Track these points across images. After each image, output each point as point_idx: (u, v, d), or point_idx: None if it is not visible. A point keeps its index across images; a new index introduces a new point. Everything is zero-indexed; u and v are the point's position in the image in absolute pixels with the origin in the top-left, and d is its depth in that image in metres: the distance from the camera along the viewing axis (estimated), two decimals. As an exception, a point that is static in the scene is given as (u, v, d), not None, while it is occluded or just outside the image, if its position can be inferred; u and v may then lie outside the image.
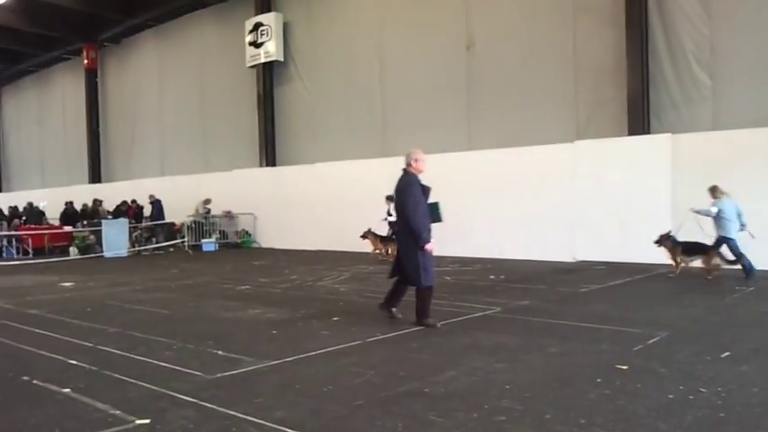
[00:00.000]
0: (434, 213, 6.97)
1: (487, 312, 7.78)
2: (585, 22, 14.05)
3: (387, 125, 17.94)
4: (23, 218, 22.61)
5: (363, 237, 15.09)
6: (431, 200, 6.94)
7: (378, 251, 14.94)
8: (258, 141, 21.04)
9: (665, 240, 10.93)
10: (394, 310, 7.30)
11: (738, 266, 10.41)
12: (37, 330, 7.24)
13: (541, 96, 14.74)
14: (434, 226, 6.97)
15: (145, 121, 26.37)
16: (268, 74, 20.73)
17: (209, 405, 4.32)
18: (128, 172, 27.21)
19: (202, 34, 23.40)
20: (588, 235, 13.40)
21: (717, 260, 10.36)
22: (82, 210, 22.43)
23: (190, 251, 19.79)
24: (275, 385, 4.81)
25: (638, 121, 13.07)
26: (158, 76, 25.54)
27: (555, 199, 13.84)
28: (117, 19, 25.24)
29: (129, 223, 20.10)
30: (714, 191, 10.53)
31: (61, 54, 29.23)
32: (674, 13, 12.88)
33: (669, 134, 12.66)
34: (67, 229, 20.58)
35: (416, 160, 6.88)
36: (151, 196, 21.08)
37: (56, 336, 6.89)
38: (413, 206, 6.67)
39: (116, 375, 5.14)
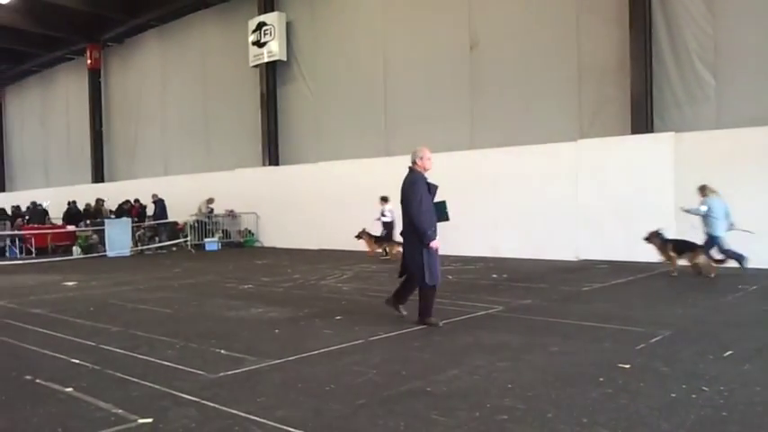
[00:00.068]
0: (441, 212, 6.92)
1: (490, 311, 7.78)
2: (589, 21, 14.03)
3: (390, 124, 17.94)
4: (26, 217, 22.66)
5: (358, 237, 15.15)
6: (438, 198, 6.92)
7: (378, 250, 14.94)
8: (261, 141, 21.07)
9: (655, 238, 11.06)
10: (401, 307, 7.27)
11: (734, 264, 10.54)
12: (40, 329, 7.25)
13: (545, 95, 14.73)
14: (437, 224, 6.95)
15: (148, 121, 26.42)
16: (271, 73, 20.75)
17: (212, 404, 4.32)
18: (131, 171, 27.27)
19: (205, 34, 23.43)
20: (591, 234, 13.39)
21: (703, 258, 10.51)
22: (85, 209, 22.48)
23: (192, 250, 19.82)
24: (277, 384, 4.82)
25: (642, 120, 13.06)
26: (161, 75, 25.59)
27: (558, 197, 13.83)
28: (120, 19, 25.30)
29: (132, 222, 20.13)
30: (703, 190, 10.68)
31: (64, 54, 29.33)
32: (678, 12, 12.85)
33: (672, 133, 12.65)
34: (70, 228, 20.62)
35: (422, 158, 6.85)
36: (154, 195, 21.13)
37: (59, 335, 6.90)
38: (417, 204, 6.64)
39: (119, 374, 5.15)
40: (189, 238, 20.34)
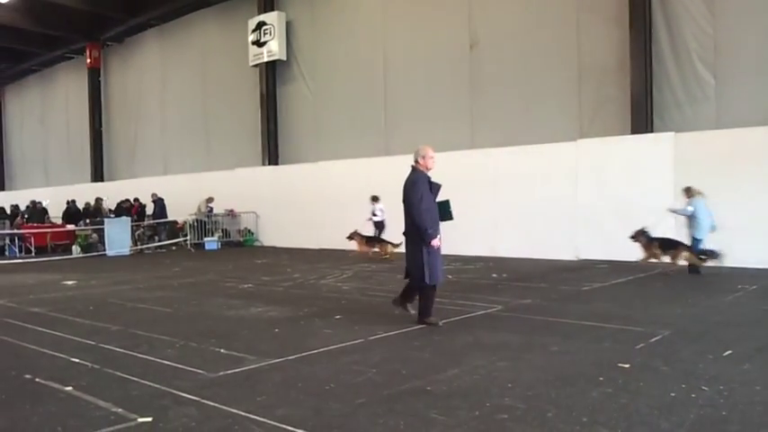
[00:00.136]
0: (445, 211, 6.89)
1: (489, 311, 7.78)
2: (589, 21, 14.03)
3: (390, 124, 17.94)
4: (26, 216, 22.66)
5: (350, 238, 15.16)
6: (442, 197, 6.90)
7: (376, 250, 14.93)
8: (261, 140, 21.06)
9: (641, 236, 11.28)
10: (409, 305, 7.24)
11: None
12: (39, 328, 7.25)
13: (545, 95, 14.73)
14: (442, 224, 6.94)
15: (148, 120, 26.42)
16: (271, 73, 20.75)
17: (212, 403, 4.32)
18: (130, 170, 27.27)
19: (205, 33, 23.42)
20: (591, 233, 13.38)
21: (687, 255, 10.75)
22: (84, 208, 22.48)
23: (192, 249, 19.83)
24: (277, 383, 4.82)
25: (642, 120, 13.05)
26: (161, 74, 25.58)
27: (557, 197, 13.82)
28: (120, 18, 25.29)
29: (132, 222, 20.13)
30: (689, 191, 10.84)
31: (64, 53, 29.31)
32: (678, 12, 12.85)
33: (672, 133, 12.64)
34: (70, 227, 20.62)
35: (424, 157, 6.84)
36: (154, 195, 21.13)
37: (58, 334, 6.90)
38: (417, 202, 6.64)
39: (118, 373, 5.15)
40: (188, 238, 20.34)
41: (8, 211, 23.40)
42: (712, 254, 10.73)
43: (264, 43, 20.40)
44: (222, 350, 5.92)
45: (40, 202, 24.03)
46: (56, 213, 22.95)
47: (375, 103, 18.21)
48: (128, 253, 18.76)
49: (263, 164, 21.01)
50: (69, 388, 4.77)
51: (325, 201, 18.46)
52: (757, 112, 11.75)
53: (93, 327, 7.29)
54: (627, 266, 11.87)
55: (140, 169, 26.64)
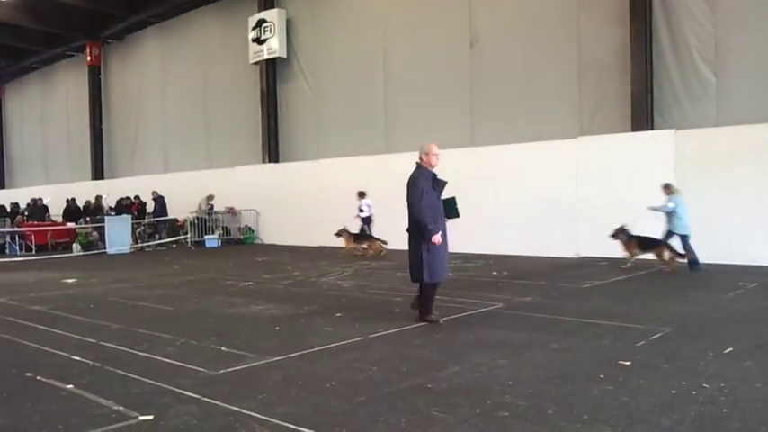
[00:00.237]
0: (451, 208, 6.88)
1: (490, 308, 7.78)
2: (589, 19, 14.01)
3: (390, 122, 17.93)
4: (26, 213, 22.67)
5: (338, 234, 15.18)
6: (447, 195, 6.87)
7: (364, 246, 14.95)
8: (261, 138, 21.05)
9: (621, 234, 11.44)
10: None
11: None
12: (40, 327, 7.26)
13: (545, 92, 14.71)
14: (448, 221, 6.93)
15: (148, 118, 26.41)
16: (271, 70, 20.73)
17: (213, 401, 4.32)
18: (131, 168, 27.27)
19: (205, 31, 23.41)
20: (591, 231, 13.36)
21: (668, 253, 10.89)
22: (85, 206, 22.48)
23: (192, 247, 19.84)
24: (278, 381, 4.82)
25: (642, 118, 13.04)
26: (161, 72, 25.56)
27: (558, 195, 13.82)
28: (120, 16, 25.28)
29: (132, 219, 20.13)
30: (668, 188, 11.01)
31: (64, 51, 29.29)
32: (679, 10, 12.83)
33: (673, 130, 12.64)
34: (70, 225, 20.62)
35: (427, 154, 6.83)
36: (154, 192, 21.14)
37: (59, 332, 6.91)
38: (417, 198, 6.64)
39: (119, 371, 5.16)
40: (189, 235, 20.36)
41: (8, 210, 23.41)
42: (693, 257, 10.81)
43: (265, 41, 20.39)
44: (223, 348, 5.92)
45: (40, 199, 24.04)
46: (56, 211, 22.96)
47: (375, 101, 18.20)
48: (128, 251, 18.77)
49: (264, 161, 21.01)
50: (70, 386, 4.78)
51: (325, 198, 18.45)
52: (758, 110, 11.74)
53: (93, 325, 7.30)
54: (627, 264, 11.87)
55: (141, 167, 26.64)
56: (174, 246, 20.34)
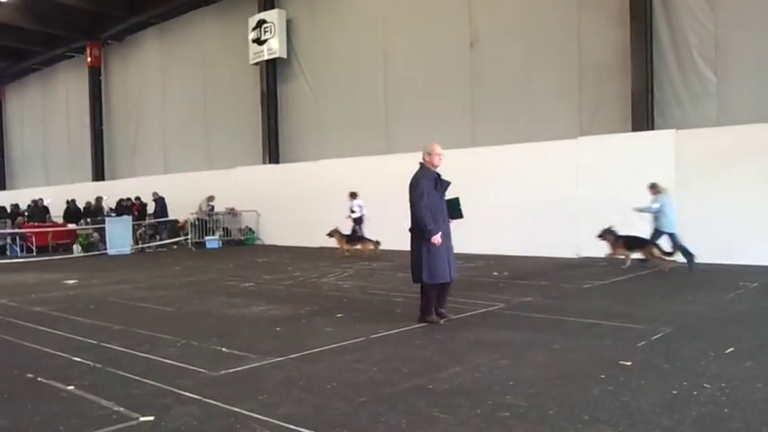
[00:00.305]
0: (454, 209, 6.87)
1: (491, 309, 7.78)
2: (589, 19, 14.01)
3: (390, 122, 17.93)
4: (26, 215, 22.67)
5: (330, 235, 15.18)
6: (451, 195, 6.86)
7: (358, 246, 14.95)
8: (261, 138, 21.06)
9: (608, 234, 11.56)
10: (442, 311, 7.03)
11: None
12: (41, 328, 7.26)
13: (545, 93, 14.71)
14: (452, 222, 6.92)
15: (148, 119, 26.42)
16: (271, 71, 20.74)
17: (213, 402, 4.32)
18: (131, 169, 27.27)
19: (205, 31, 23.41)
20: (591, 231, 13.34)
21: (656, 252, 10.98)
22: (85, 207, 22.49)
23: (193, 248, 19.84)
24: (279, 382, 4.82)
25: (643, 118, 13.04)
26: (162, 73, 25.57)
27: (558, 195, 13.81)
28: (120, 16, 25.29)
29: (133, 221, 20.13)
30: (654, 187, 11.08)
31: (65, 52, 29.30)
32: (679, 9, 12.83)
33: (673, 130, 12.63)
34: (71, 226, 20.63)
35: (430, 154, 6.84)
36: (155, 193, 21.15)
37: (60, 333, 6.91)
38: (418, 199, 6.64)
39: (120, 372, 5.16)
40: (189, 236, 20.35)
41: (9, 211, 23.41)
42: (686, 252, 10.83)
43: (265, 41, 20.39)
44: (224, 349, 5.92)
45: (41, 200, 24.04)
46: (57, 212, 22.95)
47: (376, 101, 18.20)
48: (129, 252, 18.77)
49: (264, 162, 21.01)
50: (71, 387, 4.78)
51: (325, 199, 18.43)
52: (758, 109, 11.74)
53: (94, 326, 7.30)
54: (626, 264, 11.87)
55: (141, 168, 26.65)
56: (175, 247, 20.34)
